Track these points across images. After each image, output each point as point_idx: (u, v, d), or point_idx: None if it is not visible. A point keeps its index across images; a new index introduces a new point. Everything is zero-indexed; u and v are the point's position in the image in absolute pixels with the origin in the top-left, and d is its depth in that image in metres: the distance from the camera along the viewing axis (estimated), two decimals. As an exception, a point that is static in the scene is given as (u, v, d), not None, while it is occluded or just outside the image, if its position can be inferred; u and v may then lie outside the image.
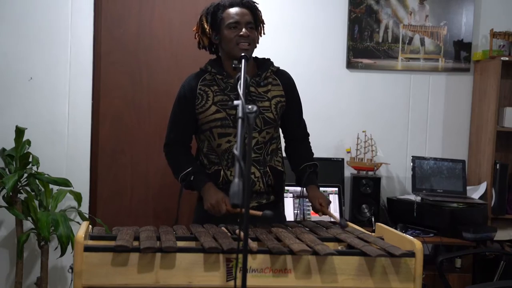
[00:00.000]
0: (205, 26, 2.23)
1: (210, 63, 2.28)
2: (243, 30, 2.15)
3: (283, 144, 2.43)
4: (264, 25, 2.32)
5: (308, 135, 2.45)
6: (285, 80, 2.32)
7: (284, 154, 2.42)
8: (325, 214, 2.19)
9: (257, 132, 2.22)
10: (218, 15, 2.19)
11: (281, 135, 2.44)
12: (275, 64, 2.34)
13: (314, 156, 2.43)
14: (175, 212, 2.26)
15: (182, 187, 2.25)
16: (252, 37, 2.18)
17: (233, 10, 2.18)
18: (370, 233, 1.97)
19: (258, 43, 2.27)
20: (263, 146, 2.25)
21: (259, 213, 2.02)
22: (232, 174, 2.23)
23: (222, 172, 2.24)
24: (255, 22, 2.22)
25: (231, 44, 2.17)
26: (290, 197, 3.28)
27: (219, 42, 2.24)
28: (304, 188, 2.30)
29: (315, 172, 2.35)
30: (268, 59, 2.33)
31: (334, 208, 3.32)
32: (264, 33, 2.32)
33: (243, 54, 2.02)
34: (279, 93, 2.28)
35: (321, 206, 2.18)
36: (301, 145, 2.41)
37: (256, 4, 2.26)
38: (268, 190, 2.28)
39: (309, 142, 2.45)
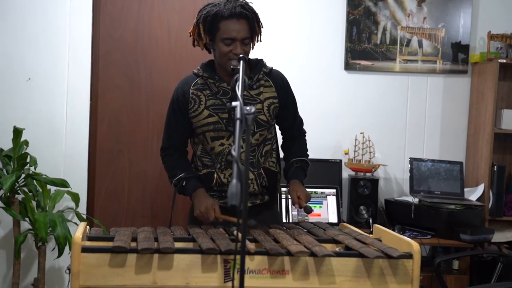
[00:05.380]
0: (202, 33, 2.19)
1: (202, 67, 2.26)
2: (238, 47, 2.11)
3: (280, 143, 2.43)
4: (262, 30, 2.24)
5: (304, 132, 2.44)
6: (278, 81, 2.28)
7: (281, 152, 2.42)
8: (301, 207, 2.17)
9: (249, 134, 2.20)
10: (215, 25, 2.14)
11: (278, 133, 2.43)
12: (274, 66, 2.32)
13: (312, 157, 2.42)
14: (170, 214, 2.28)
15: (175, 192, 2.28)
16: (246, 51, 2.15)
17: (231, 24, 2.11)
18: (367, 235, 1.97)
19: (253, 49, 2.23)
20: (256, 148, 2.25)
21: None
22: (226, 177, 2.23)
23: (215, 175, 2.24)
24: (252, 35, 2.17)
25: (224, 59, 2.14)
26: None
27: (213, 50, 2.22)
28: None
29: (302, 168, 2.33)
30: (261, 60, 2.29)
31: (332, 209, 3.32)
32: (260, 40, 2.25)
33: (241, 55, 2.02)
34: (272, 94, 2.26)
35: (299, 199, 2.16)
36: (294, 142, 2.40)
37: (255, 13, 2.18)
38: (262, 191, 2.29)
39: (305, 140, 2.43)
